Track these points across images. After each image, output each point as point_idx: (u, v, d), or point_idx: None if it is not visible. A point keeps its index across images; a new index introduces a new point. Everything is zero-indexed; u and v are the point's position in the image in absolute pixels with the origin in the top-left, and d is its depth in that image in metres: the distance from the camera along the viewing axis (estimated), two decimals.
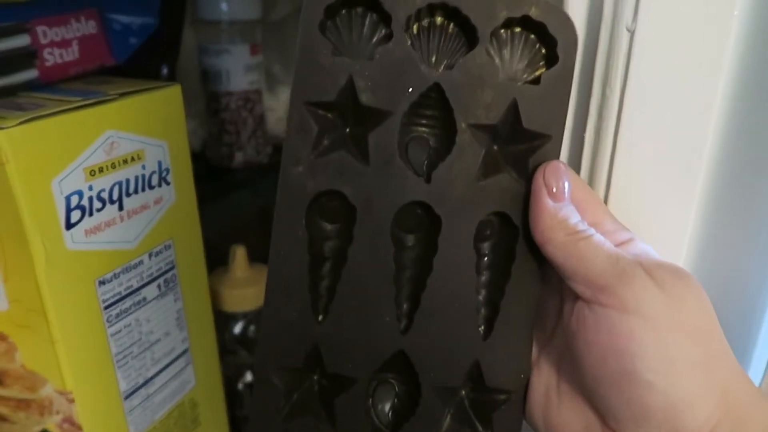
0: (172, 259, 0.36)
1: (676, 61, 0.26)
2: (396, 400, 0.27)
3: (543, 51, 0.25)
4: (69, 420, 0.32)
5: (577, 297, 0.23)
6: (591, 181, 0.29)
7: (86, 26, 0.34)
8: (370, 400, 0.26)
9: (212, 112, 0.56)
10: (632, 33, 0.26)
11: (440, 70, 0.24)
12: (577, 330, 0.23)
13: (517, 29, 0.25)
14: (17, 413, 0.34)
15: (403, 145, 0.25)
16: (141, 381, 0.36)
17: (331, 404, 0.25)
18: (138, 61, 0.40)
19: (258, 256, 0.49)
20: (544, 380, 0.26)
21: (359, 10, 0.24)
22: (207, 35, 0.55)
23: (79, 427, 0.32)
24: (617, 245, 0.24)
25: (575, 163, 0.30)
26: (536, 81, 0.24)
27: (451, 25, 0.24)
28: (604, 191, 0.29)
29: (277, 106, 0.72)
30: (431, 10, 0.24)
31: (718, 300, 0.23)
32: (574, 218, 0.23)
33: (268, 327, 0.25)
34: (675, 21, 0.25)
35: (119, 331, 0.33)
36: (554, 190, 0.23)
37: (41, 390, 0.32)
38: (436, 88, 0.24)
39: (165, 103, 0.35)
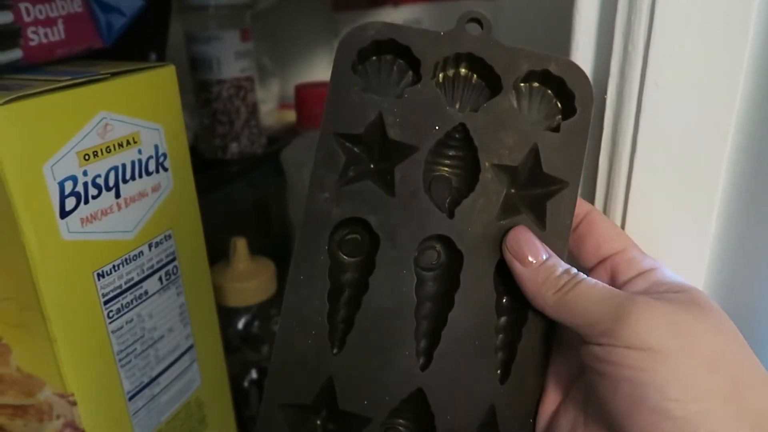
0: (173, 250, 0.34)
1: (703, 13, 0.25)
2: None
3: (558, 105, 0.26)
4: (71, 425, 0.30)
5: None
6: (606, 209, 0.29)
7: (71, 4, 0.32)
8: None
9: (203, 103, 0.54)
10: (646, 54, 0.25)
11: (465, 113, 0.25)
12: (590, 364, 0.22)
13: (536, 84, 0.26)
14: (14, 421, 0.32)
15: (426, 182, 0.25)
16: (145, 380, 0.34)
17: None
18: (125, 46, 0.38)
19: (256, 248, 0.47)
20: (571, 419, 0.25)
21: (388, 57, 0.26)
22: (194, 22, 0.53)
23: None
24: (637, 275, 0.24)
25: (590, 188, 0.29)
26: (556, 129, 0.25)
27: (475, 76, 0.26)
28: (621, 218, 0.28)
29: (269, 98, 0.70)
30: (457, 60, 0.25)
31: (739, 324, 0.22)
32: (557, 271, 0.23)
33: (280, 357, 0.24)
34: (688, 38, 0.25)
35: (121, 327, 0.31)
36: (524, 255, 0.24)
37: (39, 394, 0.30)
38: (462, 128, 0.25)
39: (159, 84, 0.33)
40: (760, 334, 0.27)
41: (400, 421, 0.26)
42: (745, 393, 0.20)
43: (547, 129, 0.26)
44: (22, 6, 0.29)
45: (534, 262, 0.24)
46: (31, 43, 0.30)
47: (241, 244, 0.45)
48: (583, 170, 0.25)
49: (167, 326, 0.35)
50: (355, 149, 0.25)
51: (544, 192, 0.25)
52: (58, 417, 0.30)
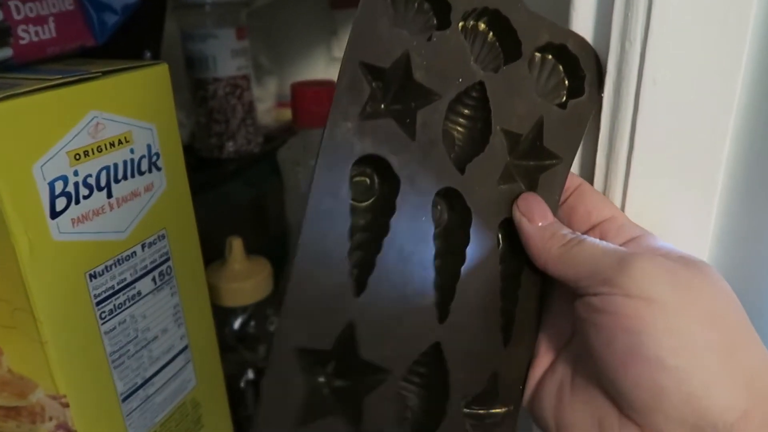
0: (166, 251, 0.34)
1: (702, 9, 0.24)
2: (409, 415, 0.25)
3: (566, 82, 0.26)
4: (64, 426, 0.30)
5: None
6: (610, 154, 0.28)
7: (62, 2, 0.32)
8: (402, 410, 0.24)
9: (199, 101, 0.54)
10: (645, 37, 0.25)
11: (486, 72, 0.25)
12: (586, 316, 0.22)
13: (549, 56, 0.26)
14: (6, 422, 0.32)
15: None
16: (139, 381, 0.33)
17: (359, 403, 0.22)
18: (119, 44, 0.37)
19: (252, 248, 0.47)
20: (557, 380, 0.25)
21: None
22: (190, 20, 0.52)
23: None
24: (629, 240, 0.24)
25: (590, 166, 0.28)
26: (563, 105, 0.25)
27: (491, 34, 0.25)
28: (626, 159, 0.28)
29: (266, 97, 0.70)
30: (480, 15, 0.25)
31: (744, 305, 0.22)
32: (563, 230, 0.24)
33: (295, 297, 0.21)
34: (686, 34, 0.25)
35: (113, 328, 0.31)
36: (533, 215, 0.25)
37: (31, 396, 0.30)
38: (480, 87, 0.24)
39: (152, 83, 0.32)
40: (764, 317, 0.27)
41: (414, 380, 0.24)
42: (739, 351, 0.21)
43: (553, 103, 0.25)
44: (11, 4, 0.29)
45: (542, 222, 0.24)
46: (22, 42, 0.30)
47: (237, 244, 0.45)
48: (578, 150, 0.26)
49: (161, 327, 0.34)
50: (374, 84, 0.23)
51: (539, 165, 0.25)
52: (50, 419, 0.30)
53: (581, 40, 0.25)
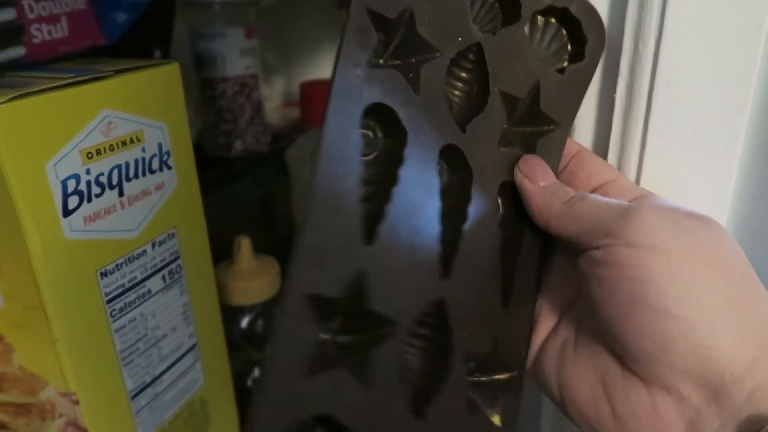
0: (176, 249, 0.34)
1: (716, 10, 0.24)
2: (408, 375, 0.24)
3: (569, 47, 0.26)
4: (73, 423, 0.30)
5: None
6: (621, 154, 0.28)
7: (75, 1, 0.32)
8: (403, 366, 0.23)
9: (207, 100, 0.54)
10: None
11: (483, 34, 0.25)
12: (589, 270, 0.22)
13: (552, 20, 0.26)
14: (17, 419, 0.32)
15: None
16: (148, 379, 0.33)
17: (365, 356, 0.21)
18: (128, 43, 0.37)
19: (260, 247, 0.47)
20: (560, 342, 0.25)
21: None
22: (199, 19, 0.52)
23: (85, 431, 0.30)
24: (632, 199, 0.23)
25: (604, 141, 0.28)
26: (562, 71, 0.25)
27: None
28: (637, 160, 0.28)
29: (273, 95, 0.70)
30: None
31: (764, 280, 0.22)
32: (565, 188, 0.24)
33: (309, 243, 0.20)
34: (700, 34, 0.24)
35: (124, 326, 0.31)
36: (536, 176, 0.24)
37: (42, 393, 0.30)
38: (477, 49, 0.24)
39: (163, 81, 0.32)
40: None
41: (417, 342, 0.24)
42: (745, 301, 0.20)
43: (556, 66, 0.25)
44: (25, 3, 0.29)
45: (543, 182, 0.24)
46: (35, 41, 0.30)
47: (245, 243, 0.45)
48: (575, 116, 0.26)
49: (170, 325, 0.35)
50: (377, 35, 0.23)
51: (536, 131, 0.25)
52: (60, 416, 0.30)
53: (587, 6, 0.25)
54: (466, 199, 0.24)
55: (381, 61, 0.23)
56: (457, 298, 0.23)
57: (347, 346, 0.22)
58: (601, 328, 0.22)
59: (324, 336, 0.21)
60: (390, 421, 0.22)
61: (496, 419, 0.24)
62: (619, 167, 0.28)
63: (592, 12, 0.25)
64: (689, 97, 0.25)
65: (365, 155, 0.23)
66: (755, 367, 0.19)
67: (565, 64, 0.26)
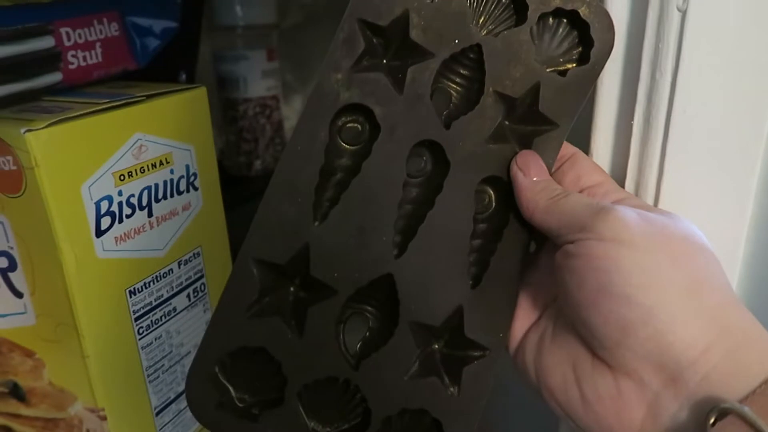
0: (200, 268, 0.35)
1: (732, 41, 0.25)
2: (368, 334, 0.27)
3: (579, 48, 0.26)
4: None
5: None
6: (639, 181, 0.28)
7: (109, 28, 0.33)
8: (342, 326, 0.26)
9: (229, 120, 0.55)
10: (684, 13, 0.25)
11: (484, 34, 0.26)
12: (563, 263, 0.23)
13: (564, 20, 0.26)
14: None
15: (431, 90, 0.26)
16: (172, 396, 0.34)
17: (304, 313, 0.25)
18: (156, 66, 0.39)
19: None
20: (540, 331, 0.26)
21: None
22: (222, 42, 0.54)
23: None
24: (614, 201, 0.25)
25: (622, 167, 0.29)
26: (563, 73, 0.26)
27: None
28: (655, 187, 0.28)
29: (293, 115, 0.71)
30: None
31: None
32: (554, 186, 0.25)
33: (262, 219, 0.25)
34: (717, 64, 0.25)
35: (150, 343, 0.32)
36: (530, 170, 0.25)
37: (70, 408, 0.31)
38: (477, 49, 0.25)
39: (191, 105, 0.33)
40: None
41: (367, 307, 0.27)
42: (706, 290, 0.21)
43: (559, 68, 0.26)
44: (63, 31, 0.30)
45: (536, 178, 0.25)
46: (71, 66, 0.31)
47: None
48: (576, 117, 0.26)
49: (194, 342, 0.35)
50: (374, 40, 0.25)
51: (534, 130, 0.26)
52: (87, 431, 0.31)
53: (598, 8, 0.25)
54: (437, 190, 0.26)
55: (384, 62, 0.26)
56: (409, 275, 0.25)
57: (301, 300, 0.26)
58: (572, 315, 0.23)
59: (290, 288, 0.26)
60: (322, 366, 0.25)
61: (453, 389, 0.26)
62: (637, 193, 0.28)
63: (603, 16, 0.25)
64: (706, 125, 0.26)
65: (352, 145, 0.26)
66: (709, 352, 0.20)
67: (574, 64, 0.26)
